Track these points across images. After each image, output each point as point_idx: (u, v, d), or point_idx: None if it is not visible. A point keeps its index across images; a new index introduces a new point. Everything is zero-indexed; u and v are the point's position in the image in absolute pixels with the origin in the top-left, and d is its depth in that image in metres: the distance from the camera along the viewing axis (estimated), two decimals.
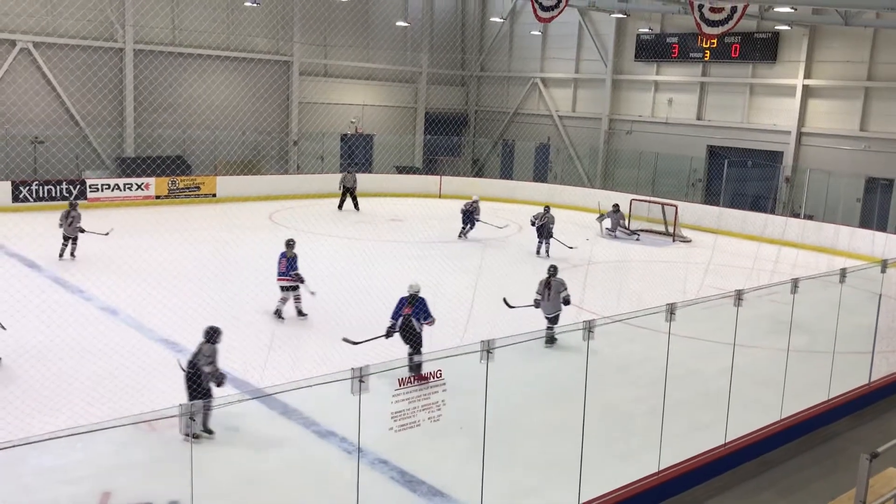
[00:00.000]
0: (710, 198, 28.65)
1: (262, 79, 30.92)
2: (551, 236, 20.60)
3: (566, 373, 9.78)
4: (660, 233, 24.70)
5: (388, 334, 11.44)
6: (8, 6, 24.75)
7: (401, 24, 33.62)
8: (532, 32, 34.81)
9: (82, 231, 17.49)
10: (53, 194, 23.48)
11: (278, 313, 13.90)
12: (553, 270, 13.51)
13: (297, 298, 13.94)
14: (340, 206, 26.75)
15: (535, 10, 23.95)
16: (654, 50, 31.35)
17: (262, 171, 30.35)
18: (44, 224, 19.67)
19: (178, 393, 9.81)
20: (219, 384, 8.97)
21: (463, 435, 7.88)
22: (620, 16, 30.98)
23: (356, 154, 32.65)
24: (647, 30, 31.33)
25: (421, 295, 11.56)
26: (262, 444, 8.98)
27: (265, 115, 31.12)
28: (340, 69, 33.32)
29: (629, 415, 10.25)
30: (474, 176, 34.67)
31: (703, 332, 10.70)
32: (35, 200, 23.20)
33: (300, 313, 13.98)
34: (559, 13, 23.73)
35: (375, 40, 33.92)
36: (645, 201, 25.94)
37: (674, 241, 23.93)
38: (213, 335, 9.28)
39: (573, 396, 8.30)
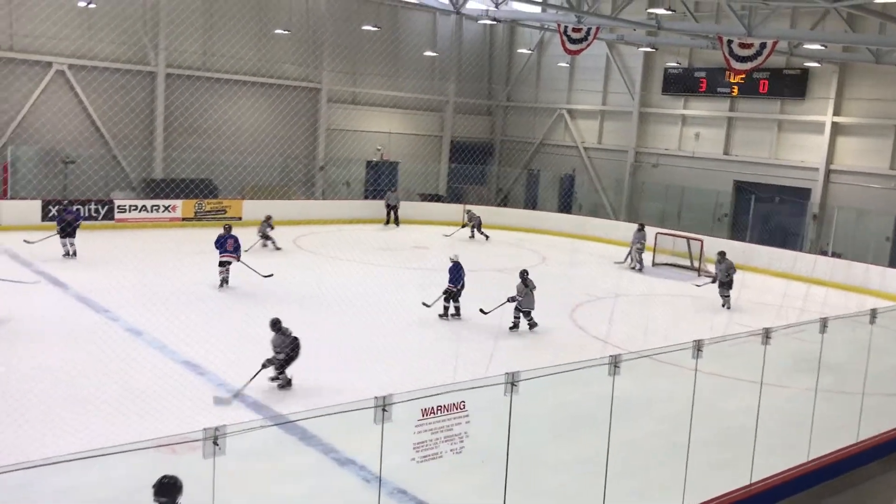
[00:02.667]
0: (737, 233, 28.40)
1: (291, 105, 31.24)
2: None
3: (590, 407, 9.65)
4: (685, 267, 24.50)
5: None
6: (45, 29, 25.27)
7: (429, 53, 33.91)
8: (559, 64, 34.96)
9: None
10: (82, 214, 23.73)
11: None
12: (526, 272, 15.84)
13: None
14: (387, 223, 29.39)
15: (563, 43, 24.07)
16: (681, 84, 31.34)
17: (289, 195, 30.55)
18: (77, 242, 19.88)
19: (199, 415, 9.79)
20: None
21: (484, 467, 7.77)
22: (648, 49, 31.05)
23: (382, 181, 32.81)
24: (675, 64, 31.36)
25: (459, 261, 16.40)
26: (282, 471, 8.89)
27: (293, 141, 31.41)
28: (368, 97, 33.62)
29: (651, 451, 10.08)
30: (499, 205, 34.68)
31: (730, 369, 10.53)
32: (82, 220, 23.44)
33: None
34: (587, 46, 23.84)
35: (403, 69, 34.23)
36: (670, 235, 25.77)
37: (699, 275, 23.72)
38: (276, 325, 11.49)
39: (596, 431, 8.19)
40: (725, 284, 19.21)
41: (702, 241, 24.18)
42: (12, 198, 23.96)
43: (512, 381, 6.89)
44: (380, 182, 32.74)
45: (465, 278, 16.32)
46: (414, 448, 6.26)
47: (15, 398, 10.19)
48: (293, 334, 11.48)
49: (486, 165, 36.85)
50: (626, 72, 33.21)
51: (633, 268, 23.94)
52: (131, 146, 27.54)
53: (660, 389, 11.47)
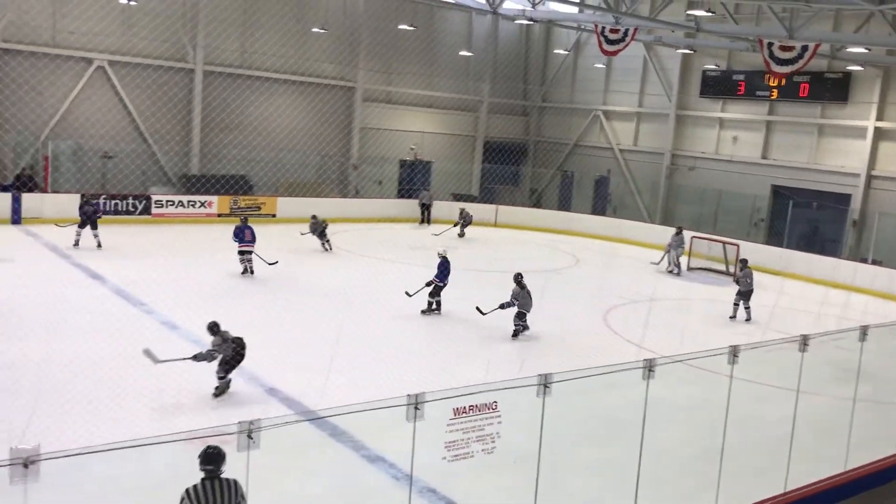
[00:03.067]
0: (774, 238, 27.98)
1: (326, 103, 31.42)
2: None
3: (623, 411, 9.57)
4: (720, 272, 24.20)
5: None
6: (87, 26, 25.66)
7: (464, 53, 33.90)
8: (596, 65, 34.74)
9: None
10: (120, 208, 24.11)
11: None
12: (521, 275, 15.14)
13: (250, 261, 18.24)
14: (421, 222, 29.42)
15: (600, 44, 23.91)
16: (719, 86, 30.96)
17: (322, 193, 30.72)
18: (109, 237, 20.19)
19: (230, 409, 9.89)
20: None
21: (515, 468, 7.74)
22: (686, 51, 30.73)
23: (415, 180, 32.87)
24: (713, 66, 31.00)
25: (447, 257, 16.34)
26: (312, 467, 8.94)
27: (327, 139, 31.58)
28: (402, 96, 33.69)
29: (684, 457, 9.97)
30: (532, 206, 34.56)
31: (765, 376, 10.38)
32: (103, 213, 23.79)
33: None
34: (624, 47, 23.64)
35: (438, 69, 34.25)
36: (706, 239, 25.47)
37: (735, 281, 23.41)
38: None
39: (628, 435, 8.11)
40: (745, 294, 18.27)
41: (738, 246, 23.87)
42: (53, 191, 24.37)
43: (545, 383, 6.85)
44: (414, 181, 32.80)
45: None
46: (445, 447, 6.25)
47: (56, 388, 10.37)
48: (233, 336, 10.86)
49: (520, 166, 36.74)
50: (663, 73, 32.90)
51: (671, 271, 23.71)
52: (169, 142, 27.88)
53: (694, 395, 11.36)
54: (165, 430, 8.64)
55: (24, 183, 24.18)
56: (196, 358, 10.62)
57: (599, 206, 34.10)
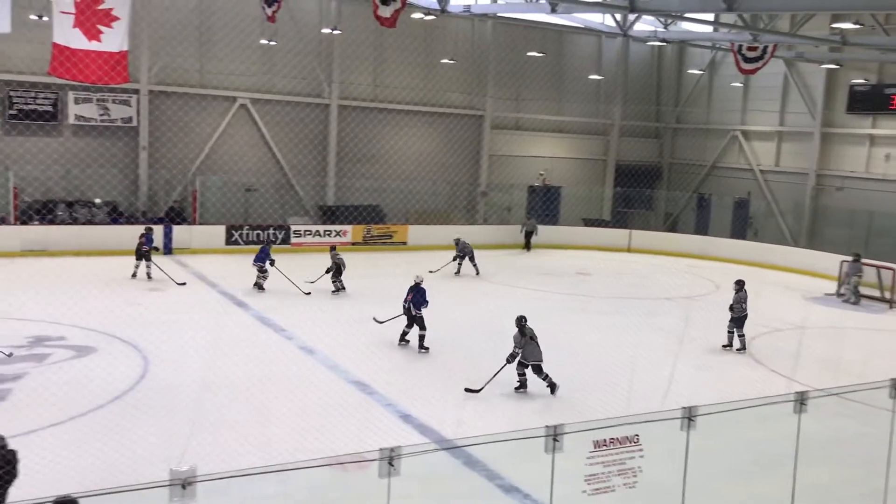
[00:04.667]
0: None
1: (455, 132, 31.85)
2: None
3: (772, 445, 9.04)
4: (875, 298, 22.61)
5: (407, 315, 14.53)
6: (231, 67, 27.24)
7: (594, 77, 33.56)
8: (733, 84, 33.53)
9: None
10: (261, 238, 25.20)
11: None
12: (524, 319, 12.54)
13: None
14: (525, 249, 28.85)
15: (737, 63, 23.12)
16: (869, 101, 29.12)
17: (451, 220, 31.05)
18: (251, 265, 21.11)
19: (366, 434, 10.01)
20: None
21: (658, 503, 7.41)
22: (832, 66, 29.15)
23: (545, 206, 32.64)
24: (862, 80, 29.25)
25: (423, 286, 14.59)
26: (448, 495, 8.88)
27: (456, 167, 31.97)
28: (531, 122, 33.68)
29: (844, 497, 9.28)
30: (666, 230, 33.58)
31: None
32: (245, 244, 24.98)
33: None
34: (763, 65, 22.77)
35: (567, 93, 34.06)
36: (864, 264, 23.86)
37: (891, 307, 21.84)
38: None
39: (779, 472, 7.63)
40: (737, 321, 15.97)
41: (893, 270, 22.26)
42: (200, 223, 25.78)
43: (689, 416, 6.56)
44: (544, 207, 32.59)
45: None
46: (585, 480, 6.07)
47: (205, 409, 10.85)
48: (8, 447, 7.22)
49: (654, 189, 35.83)
50: (805, 90, 31.34)
51: (849, 301, 22.20)
52: (306, 174, 29.00)
53: (850, 430, 10.60)
54: (306, 453, 8.86)
55: (175, 216, 25.73)
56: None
57: (739, 229, 32.68)
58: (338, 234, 26.89)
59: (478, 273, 22.96)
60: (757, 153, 33.40)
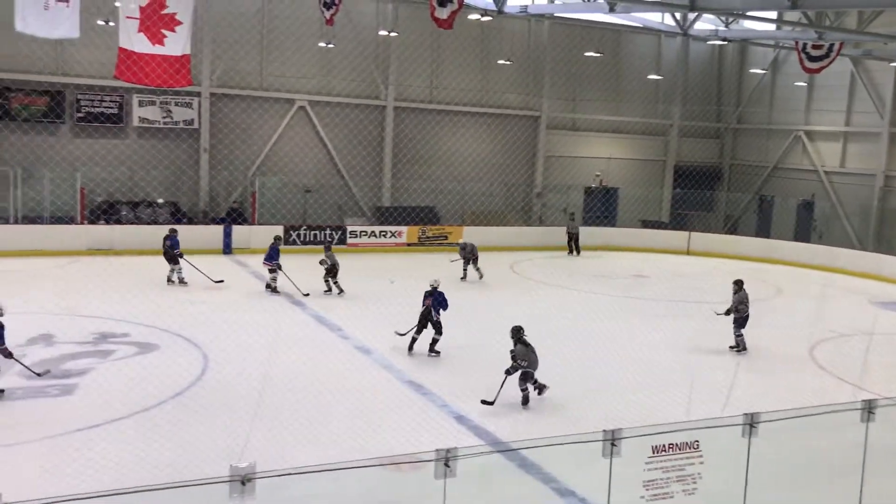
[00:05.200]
0: None
1: (511, 133, 31.75)
2: None
3: (838, 455, 8.75)
4: None
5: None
6: (290, 70, 27.65)
7: (653, 77, 33.10)
8: (796, 83, 32.70)
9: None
10: (318, 238, 25.48)
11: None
12: (519, 329, 11.91)
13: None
14: (570, 252, 27.95)
15: (801, 62, 22.54)
16: None
17: (507, 222, 30.96)
18: (310, 265, 21.34)
19: (420, 435, 10.02)
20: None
21: None
22: None
23: (602, 208, 32.29)
24: None
25: (440, 290, 14.31)
26: (502, 498, 8.82)
27: (511, 168, 31.86)
28: (588, 122, 33.38)
29: None
30: (727, 233, 32.90)
31: None
32: (302, 244, 25.29)
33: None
34: (829, 63, 22.14)
35: (625, 93, 33.66)
36: None
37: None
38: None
39: (845, 481, 7.39)
40: (738, 322, 15.44)
41: None
42: (260, 223, 26.19)
43: (751, 423, 6.41)
44: (602, 208, 32.24)
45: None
46: (644, 486, 5.97)
47: (265, 406, 11.01)
48: None
49: (714, 191, 35.14)
50: (873, 89, 30.38)
51: None
52: (363, 176, 29.25)
53: None
54: (361, 453, 8.91)
55: (236, 216, 26.20)
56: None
57: (803, 232, 31.86)
58: (393, 234, 27.05)
59: (481, 277, 21.71)
60: (821, 154, 32.51)
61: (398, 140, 29.62)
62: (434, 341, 14.21)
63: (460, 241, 23.25)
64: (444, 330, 14.15)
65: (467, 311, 16.97)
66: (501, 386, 11.56)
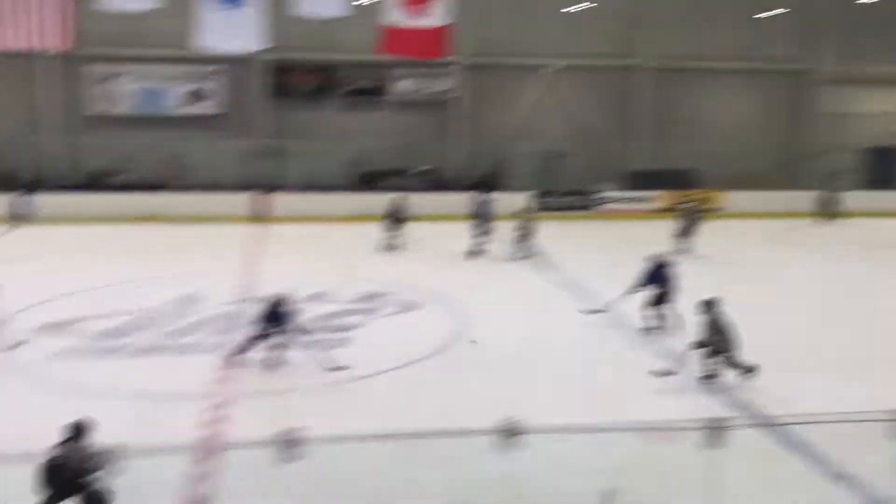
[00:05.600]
0: None
1: (777, 90, 29.67)
2: None
3: None
4: None
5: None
6: (543, 36, 27.72)
7: None
8: None
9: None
10: (573, 205, 25.56)
11: None
12: (710, 302, 10.48)
13: None
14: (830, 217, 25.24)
15: None
16: None
17: (773, 186, 28.86)
18: (560, 231, 21.40)
19: (678, 405, 9.72)
20: None
21: None
22: None
23: (886, 169, 29.04)
24: None
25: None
26: (766, 475, 8.34)
27: (777, 128, 29.78)
28: (868, 74, 30.08)
29: None
30: None
31: None
32: (555, 210, 25.44)
33: None
34: None
35: None
36: None
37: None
38: None
39: None
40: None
41: None
42: (513, 190, 26.64)
43: None
44: (885, 169, 28.97)
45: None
46: None
47: (526, 366, 11.39)
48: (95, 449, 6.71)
49: None
50: None
51: None
52: (616, 139, 28.77)
53: None
54: (621, 416, 8.80)
55: (490, 183, 26.85)
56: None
57: None
58: (649, 200, 26.37)
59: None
60: None
61: (651, 101, 28.86)
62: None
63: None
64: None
65: (731, 277, 16.09)
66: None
